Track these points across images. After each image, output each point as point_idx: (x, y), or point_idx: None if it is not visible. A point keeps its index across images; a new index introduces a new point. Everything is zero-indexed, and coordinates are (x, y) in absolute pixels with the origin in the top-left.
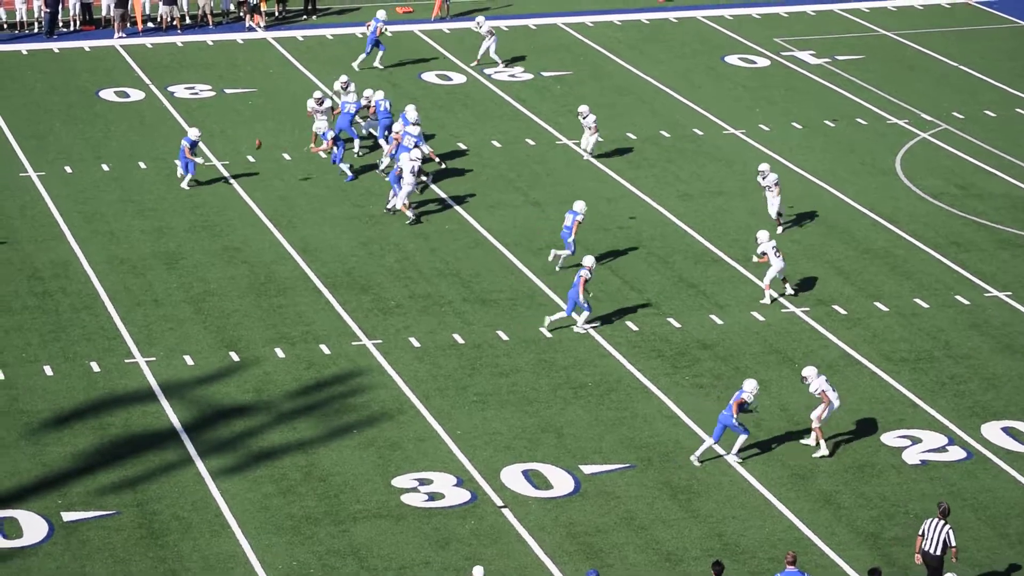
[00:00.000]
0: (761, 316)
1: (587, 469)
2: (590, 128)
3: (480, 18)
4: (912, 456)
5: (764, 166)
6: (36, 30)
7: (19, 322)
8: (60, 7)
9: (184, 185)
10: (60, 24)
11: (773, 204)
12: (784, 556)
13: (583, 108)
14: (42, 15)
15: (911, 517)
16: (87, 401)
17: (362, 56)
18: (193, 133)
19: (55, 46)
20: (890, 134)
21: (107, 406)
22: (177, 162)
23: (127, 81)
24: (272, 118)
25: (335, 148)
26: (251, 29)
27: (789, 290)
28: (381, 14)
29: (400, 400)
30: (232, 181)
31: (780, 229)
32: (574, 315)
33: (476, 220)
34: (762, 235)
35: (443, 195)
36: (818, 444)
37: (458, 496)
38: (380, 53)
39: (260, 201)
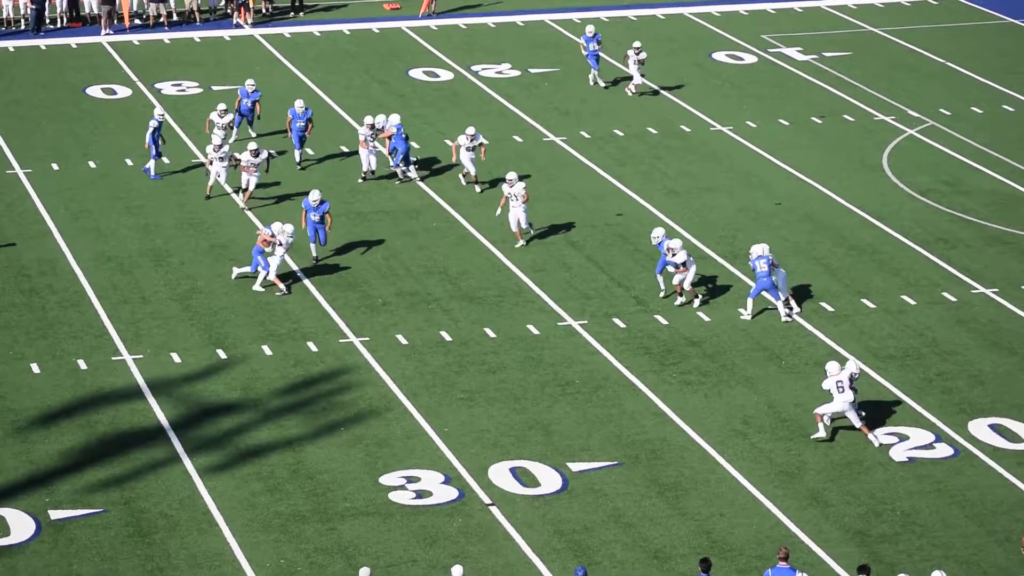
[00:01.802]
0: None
1: (574, 467)
2: (518, 197)
3: (637, 43)
4: (899, 453)
5: (675, 243)
6: (23, 27)
7: (6, 320)
8: (47, 4)
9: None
10: (47, 21)
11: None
12: (774, 553)
13: (511, 175)
14: (28, 12)
15: (898, 514)
16: (74, 399)
17: (593, 74)
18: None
19: (42, 43)
20: (877, 131)
21: (94, 404)
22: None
23: (114, 78)
24: (260, 115)
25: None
26: (238, 26)
27: (783, 308)
28: (590, 29)
29: (387, 398)
30: (220, 179)
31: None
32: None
33: (463, 217)
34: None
35: (430, 192)
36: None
37: (446, 494)
38: (594, 71)
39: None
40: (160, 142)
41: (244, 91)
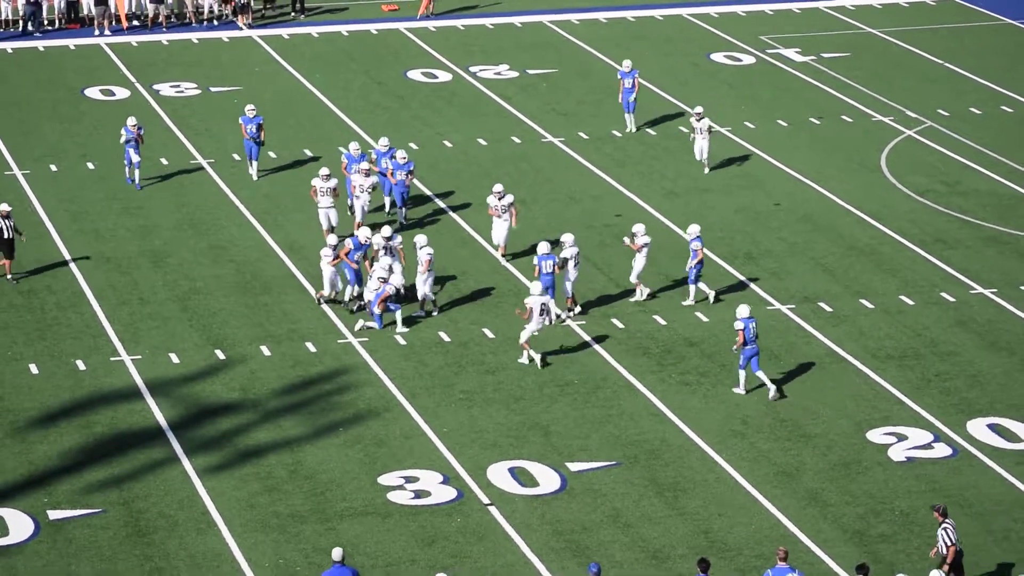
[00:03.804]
0: None
1: (573, 467)
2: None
3: (699, 109)
4: (898, 453)
5: (567, 237)
6: (22, 28)
7: (5, 320)
8: (43, 4)
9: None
10: (46, 22)
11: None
12: (773, 552)
13: (498, 187)
14: (25, 11)
15: (897, 514)
16: (73, 399)
17: (629, 120)
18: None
19: (40, 44)
20: (876, 131)
21: (93, 404)
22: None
23: (112, 79)
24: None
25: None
26: (234, 25)
27: (644, 293)
28: (627, 64)
29: (386, 398)
30: (217, 179)
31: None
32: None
33: (462, 218)
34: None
35: (429, 193)
36: (531, 360)
37: (444, 494)
38: (629, 115)
39: (246, 199)
40: (135, 152)
41: (246, 118)
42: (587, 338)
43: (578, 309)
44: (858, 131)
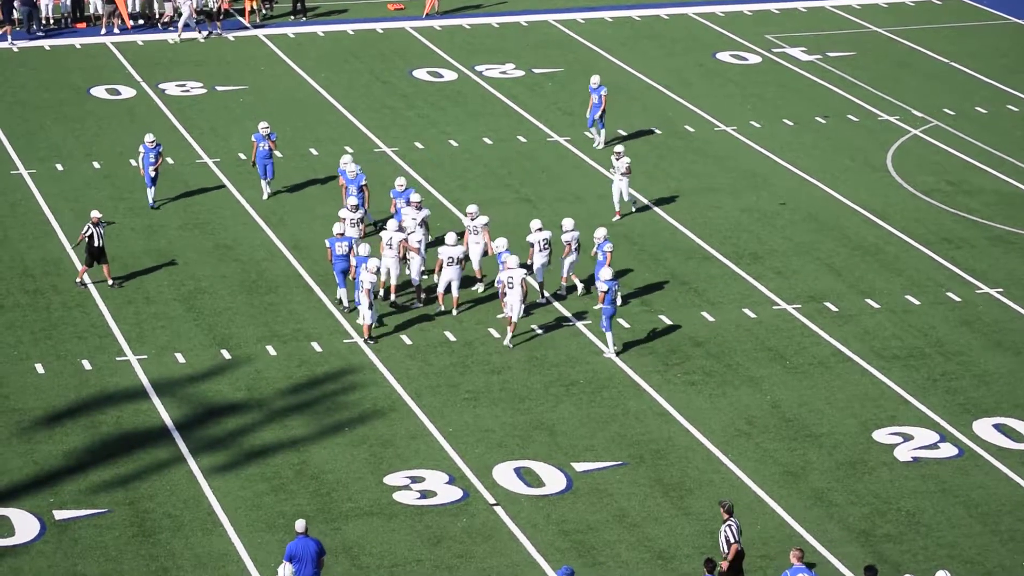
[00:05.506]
0: (752, 313)
1: (579, 467)
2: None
3: (619, 148)
4: (904, 453)
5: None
6: (26, 28)
7: (10, 320)
8: (40, 4)
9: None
10: (51, 21)
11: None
12: (779, 552)
13: (472, 208)
14: (21, 11)
15: (903, 514)
16: (79, 399)
17: (598, 136)
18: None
19: (46, 43)
20: (881, 131)
21: (99, 404)
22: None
23: (118, 78)
24: (263, 115)
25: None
26: (216, 29)
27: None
28: (595, 79)
29: (392, 398)
30: (223, 179)
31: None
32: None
33: (465, 216)
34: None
35: (434, 192)
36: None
37: (450, 494)
38: (596, 130)
39: (251, 199)
40: (152, 170)
41: (259, 136)
42: (593, 338)
43: (546, 297)
44: (863, 130)
